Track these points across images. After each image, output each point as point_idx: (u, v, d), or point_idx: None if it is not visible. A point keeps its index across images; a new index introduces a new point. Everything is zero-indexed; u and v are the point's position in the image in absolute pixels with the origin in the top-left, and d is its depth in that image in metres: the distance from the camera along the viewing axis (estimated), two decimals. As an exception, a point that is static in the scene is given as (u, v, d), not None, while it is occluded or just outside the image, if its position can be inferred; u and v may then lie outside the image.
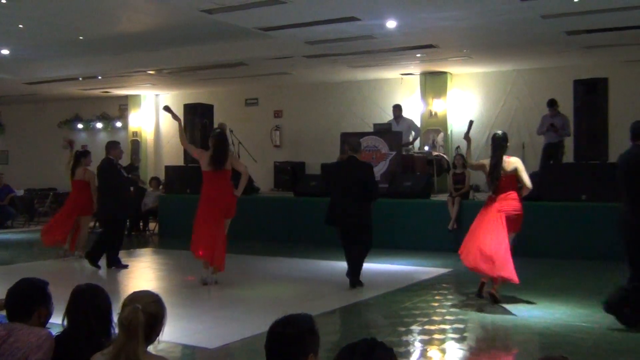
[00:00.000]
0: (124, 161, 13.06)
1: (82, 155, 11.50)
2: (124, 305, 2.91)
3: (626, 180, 6.57)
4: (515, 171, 7.57)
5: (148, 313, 2.84)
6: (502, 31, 11.49)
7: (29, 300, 3.37)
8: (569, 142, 12.32)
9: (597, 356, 5.67)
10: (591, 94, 12.28)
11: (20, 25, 11.69)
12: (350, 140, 9.44)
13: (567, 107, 12.59)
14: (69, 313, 3.30)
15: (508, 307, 7.40)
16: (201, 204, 8.89)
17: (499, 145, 7.63)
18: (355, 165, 8.58)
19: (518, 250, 11.09)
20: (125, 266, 10.35)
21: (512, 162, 7.60)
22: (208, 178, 8.87)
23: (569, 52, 13.27)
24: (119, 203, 10.39)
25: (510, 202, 7.53)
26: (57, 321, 3.45)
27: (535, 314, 7.07)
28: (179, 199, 14.99)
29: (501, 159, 7.57)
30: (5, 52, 13.95)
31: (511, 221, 7.47)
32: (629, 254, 6.50)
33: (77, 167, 11.35)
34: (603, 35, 11.69)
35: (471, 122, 8.17)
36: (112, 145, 10.65)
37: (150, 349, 2.98)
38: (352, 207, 8.43)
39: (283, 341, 2.71)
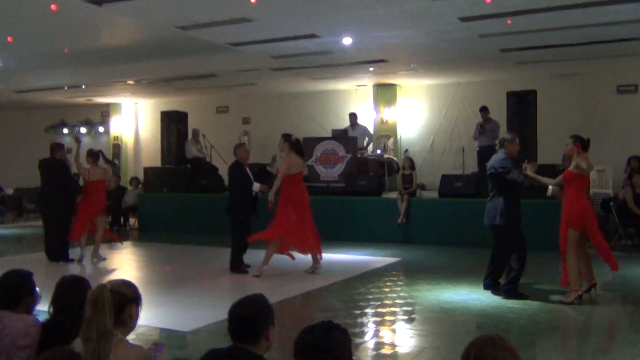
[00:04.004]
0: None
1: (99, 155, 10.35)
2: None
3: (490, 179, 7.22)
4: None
5: (116, 292, 2.76)
6: (445, 48, 11.60)
7: (17, 290, 3.28)
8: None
9: (527, 333, 5.75)
10: (522, 104, 12.47)
11: (9, 39, 11.40)
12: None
13: (501, 115, 12.74)
14: (54, 302, 3.21)
15: (451, 291, 7.48)
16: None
17: None
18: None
19: (460, 241, 11.25)
20: (72, 260, 9.97)
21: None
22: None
23: (502, 67, 13.45)
24: (62, 199, 9.99)
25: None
26: (43, 309, 3.37)
27: (474, 297, 7.16)
28: (157, 197, 14.81)
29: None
30: (-3, 63, 13.63)
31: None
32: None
33: (94, 166, 10.13)
34: (533, 53, 11.87)
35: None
36: (57, 147, 10.35)
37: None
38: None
39: (245, 322, 2.69)
